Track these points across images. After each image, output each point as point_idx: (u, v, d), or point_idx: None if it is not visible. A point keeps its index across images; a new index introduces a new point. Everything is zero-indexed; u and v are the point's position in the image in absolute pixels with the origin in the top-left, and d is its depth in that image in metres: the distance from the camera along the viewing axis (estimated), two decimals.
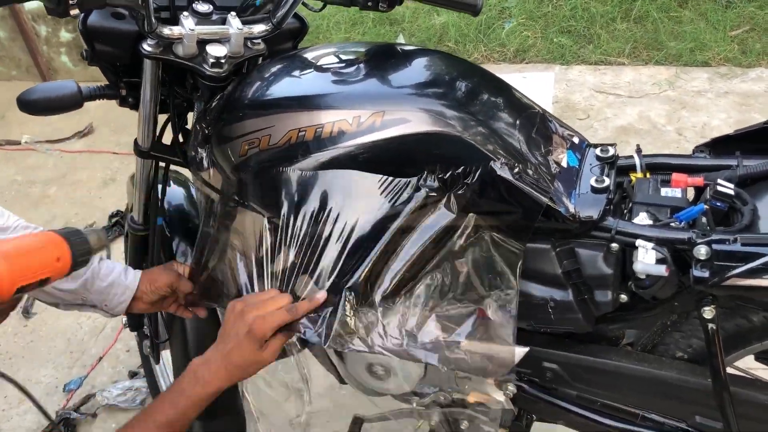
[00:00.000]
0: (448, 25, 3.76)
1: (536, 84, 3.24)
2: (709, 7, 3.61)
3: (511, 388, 1.24)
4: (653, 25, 3.54)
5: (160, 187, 1.42)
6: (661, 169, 1.15)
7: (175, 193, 1.64)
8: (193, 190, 1.67)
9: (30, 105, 1.21)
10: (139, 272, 1.29)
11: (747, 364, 1.26)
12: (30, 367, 2.34)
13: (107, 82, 1.26)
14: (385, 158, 1.04)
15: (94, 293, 1.23)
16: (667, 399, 1.18)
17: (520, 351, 1.21)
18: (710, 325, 1.04)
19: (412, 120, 1.02)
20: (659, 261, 1.00)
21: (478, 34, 3.70)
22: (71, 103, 1.23)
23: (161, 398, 1.08)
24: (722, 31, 3.42)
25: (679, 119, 2.90)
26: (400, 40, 3.74)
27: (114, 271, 1.26)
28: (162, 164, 1.40)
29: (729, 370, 1.24)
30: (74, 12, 0.93)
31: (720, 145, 1.17)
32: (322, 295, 1.09)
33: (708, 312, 1.03)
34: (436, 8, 3.97)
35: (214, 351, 1.08)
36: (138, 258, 1.54)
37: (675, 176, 1.09)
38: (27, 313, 2.57)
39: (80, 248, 0.89)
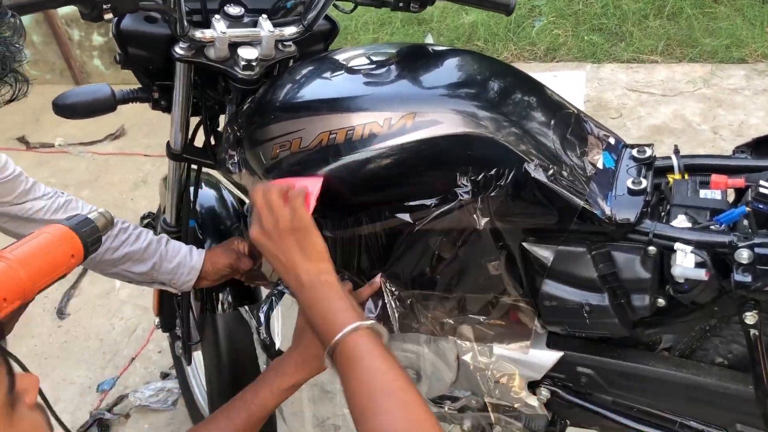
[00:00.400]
0: (477, 24, 3.73)
1: (568, 83, 3.20)
2: (745, 3, 3.53)
3: (545, 392, 1.22)
4: (687, 21, 3.48)
5: (192, 189, 1.43)
6: (699, 170, 1.12)
7: (207, 195, 1.65)
8: (224, 192, 1.68)
9: (65, 109, 1.22)
10: (203, 252, 1.36)
11: None
12: (64, 367, 2.38)
13: (139, 86, 1.27)
14: (417, 160, 1.03)
15: (163, 273, 1.32)
16: (706, 406, 1.15)
17: (554, 356, 1.20)
18: (752, 331, 1.02)
19: (443, 121, 1.01)
20: (698, 265, 0.97)
21: (507, 33, 3.66)
22: (105, 106, 1.24)
23: (243, 390, 1.12)
24: (759, 26, 3.34)
25: (715, 118, 2.84)
26: (429, 39, 3.72)
27: (180, 252, 1.34)
28: (194, 166, 1.41)
29: None
30: (108, 16, 0.94)
31: (763, 146, 1.13)
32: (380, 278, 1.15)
33: (750, 317, 1.00)
34: (465, 7, 3.94)
35: (292, 348, 1.12)
36: None
37: (714, 177, 1.07)
38: (61, 314, 2.61)
39: (91, 237, 0.90)
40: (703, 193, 1.07)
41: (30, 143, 3.87)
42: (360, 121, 1.03)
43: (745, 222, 1.00)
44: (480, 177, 1.02)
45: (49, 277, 0.83)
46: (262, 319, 1.21)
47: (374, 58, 1.17)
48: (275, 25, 1.18)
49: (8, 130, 3.99)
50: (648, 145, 1.14)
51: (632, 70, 3.28)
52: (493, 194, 1.02)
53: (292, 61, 1.24)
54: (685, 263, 0.98)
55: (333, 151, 1.05)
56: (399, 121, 1.02)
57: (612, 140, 1.15)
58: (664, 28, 3.49)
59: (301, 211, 1.00)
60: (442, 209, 1.05)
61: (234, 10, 1.18)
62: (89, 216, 0.89)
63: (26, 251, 0.80)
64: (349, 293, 1.03)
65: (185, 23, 1.09)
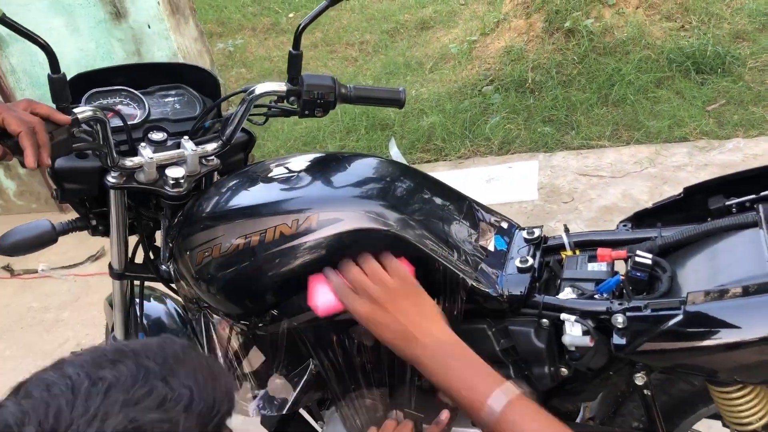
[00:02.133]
0: (435, 125, 3.94)
1: (521, 172, 3.35)
2: (684, 86, 3.75)
3: None
4: (632, 107, 3.68)
5: (138, 303, 1.52)
6: (588, 245, 1.22)
7: (154, 308, 1.73)
8: (168, 303, 1.76)
9: (9, 249, 1.33)
10: None
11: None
12: None
13: (77, 216, 1.39)
14: (326, 255, 1.12)
15: None
16: None
17: None
18: (645, 391, 1.08)
19: (344, 219, 1.11)
20: (585, 332, 1.05)
21: (464, 131, 3.86)
22: (47, 239, 1.35)
23: None
24: (699, 106, 3.54)
25: (662, 194, 2.97)
26: (392, 143, 3.92)
27: None
28: (137, 282, 1.50)
29: None
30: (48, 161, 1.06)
31: (642, 219, 1.24)
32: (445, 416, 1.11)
33: (639, 379, 1.07)
34: (425, 110, 4.18)
35: None
36: None
37: (600, 251, 1.16)
38: None
39: None
40: (591, 266, 1.17)
41: (14, 271, 3.96)
42: (271, 224, 1.14)
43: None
44: None
45: None
46: None
47: (290, 167, 1.29)
48: (197, 144, 1.31)
49: None
50: (537, 227, 1.24)
51: (582, 155, 3.45)
52: None
53: (216, 172, 1.36)
54: (573, 332, 1.06)
55: (249, 253, 1.14)
56: (305, 221, 1.12)
57: (505, 225, 1.26)
58: (610, 115, 3.69)
59: (408, 275, 1.01)
60: None
61: (157, 136, 1.30)
62: None
63: None
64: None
65: (115, 155, 1.22)
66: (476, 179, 3.41)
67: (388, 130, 4.14)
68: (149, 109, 1.35)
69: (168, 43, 3.86)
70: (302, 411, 1.49)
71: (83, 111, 1.14)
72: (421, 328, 0.95)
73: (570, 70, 4.11)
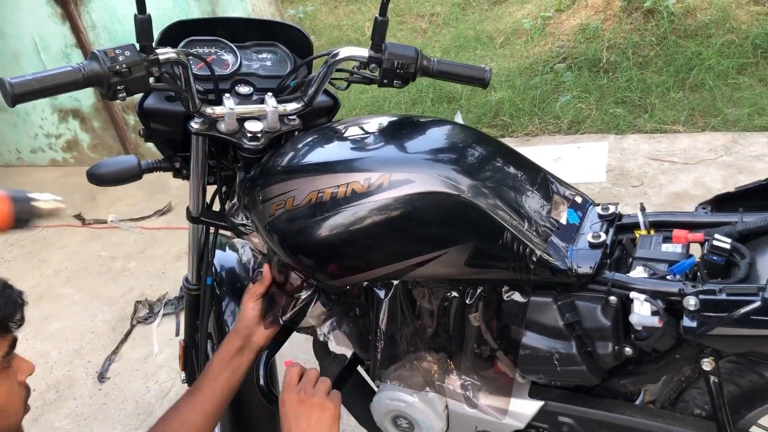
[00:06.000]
0: (503, 101, 3.89)
1: (590, 153, 3.28)
2: None
3: None
4: (710, 92, 3.55)
5: (211, 249, 1.56)
6: (664, 226, 1.20)
7: (227, 257, 1.78)
8: (241, 254, 1.81)
9: (97, 178, 1.38)
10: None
11: None
12: (101, 427, 2.50)
13: (162, 157, 1.43)
14: (395, 215, 1.13)
15: None
16: None
17: (535, 405, 1.25)
18: (712, 378, 1.06)
19: (415, 180, 1.12)
20: (654, 313, 1.03)
21: (533, 108, 3.80)
22: (132, 174, 1.39)
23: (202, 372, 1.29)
24: None
25: (736, 184, 2.86)
26: (458, 116, 3.88)
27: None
28: (212, 229, 1.55)
29: (754, 429, 1.24)
30: (122, 95, 1.10)
31: (723, 202, 1.20)
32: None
33: (706, 364, 1.05)
34: (493, 85, 4.12)
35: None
36: (192, 314, 1.68)
37: (676, 232, 1.14)
38: (101, 377, 2.75)
39: (24, 212, 1.06)
40: (665, 247, 1.14)
41: (85, 220, 4.13)
42: (344, 181, 1.16)
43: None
44: (451, 231, 1.12)
45: None
46: (261, 367, 1.31)
47: (365, 128, 1.30)
48: (279, 102, 1.33)
49: (67, 208, 4.28)
50: (613, 204, 1.22)
51: (654, 140, 3.35)
52: (461, 247, 1.11)
53: (297, 132, 1.38)
54: (641, 311, 1.04)
55: (320, 208, 1.17)
56: (377, 180, 1.13)
57: (579, 199, 1.24)
58: (686, 99, 3.57)
59: (335, 403, 1.21)
60: (418, 260, 1.15)
61: (243, 89, 1.34)
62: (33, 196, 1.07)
63: None
64: None
65: (197, 101, 1.25)
66: (543, 158, 3.36)
67: (454, 103, 4.11)
68: (241, 62, 1.38)
69: (243, 4, 3.90)
70: (360, 370, 1.52)
71: (165, 53, 1.16)
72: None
73: (647, 51, 3.98)
